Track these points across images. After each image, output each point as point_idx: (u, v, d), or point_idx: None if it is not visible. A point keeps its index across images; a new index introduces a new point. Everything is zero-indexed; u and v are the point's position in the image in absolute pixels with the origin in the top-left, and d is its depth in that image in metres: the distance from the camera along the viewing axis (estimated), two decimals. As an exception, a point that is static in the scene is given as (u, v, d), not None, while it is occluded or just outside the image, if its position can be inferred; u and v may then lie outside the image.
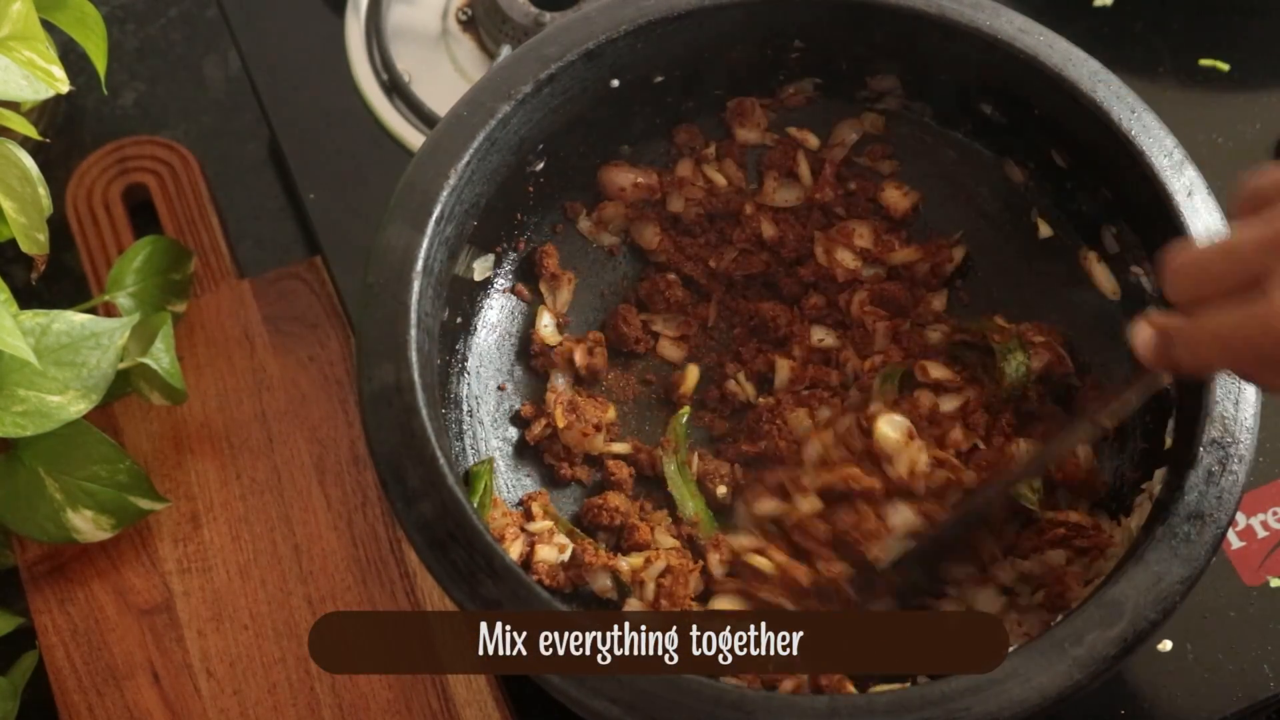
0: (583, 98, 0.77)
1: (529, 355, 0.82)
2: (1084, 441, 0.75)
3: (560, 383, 0.81)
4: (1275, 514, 0.79)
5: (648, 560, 0.74)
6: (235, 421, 0.88)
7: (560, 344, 0.81)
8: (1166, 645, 0.75)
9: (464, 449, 0.77)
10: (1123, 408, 0.70)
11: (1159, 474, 0.70)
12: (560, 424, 0.78)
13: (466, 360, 0.79)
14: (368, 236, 0.71)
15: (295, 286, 0.92)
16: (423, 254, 0.70)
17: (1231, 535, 0.78)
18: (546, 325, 0.82)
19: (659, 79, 0.80)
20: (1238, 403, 0.66)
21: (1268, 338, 0.53)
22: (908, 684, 0.67)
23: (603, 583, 0.74)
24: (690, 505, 0.78)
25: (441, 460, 0.65)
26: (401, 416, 0.66)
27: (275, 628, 0.82)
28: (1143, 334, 0.60)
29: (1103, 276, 0.79)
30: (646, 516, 0.78)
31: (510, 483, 0.78)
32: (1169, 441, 0.70)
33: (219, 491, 0.86)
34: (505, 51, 0.92)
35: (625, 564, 0.74)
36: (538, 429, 0.78)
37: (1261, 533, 0.79)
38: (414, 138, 0.92)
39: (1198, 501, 0.64)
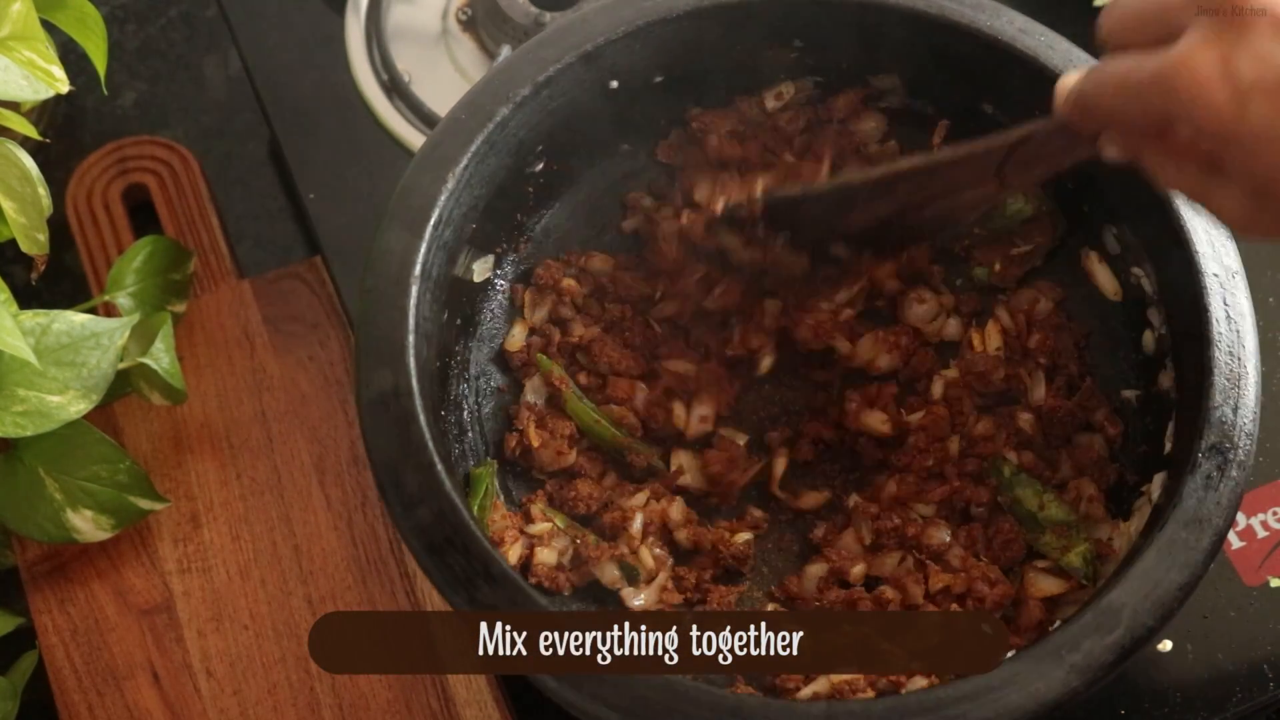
0: (581, 99, 0.77)
1: (511, 366, 0.81)
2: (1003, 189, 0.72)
3: (534, 399, 0.80)
4: (1275, 514, 0.79)
5: (625, 516, 0.75)
6: (235, 421, 0.88)
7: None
8: (1166, 645, 0.75)
9: (463, 450, 0.77)
10: (1042, 164, 0.68)
11: (1158, 478, 0.70)
12: (534, 443, 0.77)
13: (466, 362, 0.79)
14: (368, 236, 0.72)
15: (295, 286, 0.92)
16: (420, 259, 0.70)
17: (1231, 535, 0.78)
18: (515, 336, 0.81)
19: (658, 79, 0.80)
20: (1236, 408, 0.66)
21: (1158, 88, 0.54)
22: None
23: (610, 574, 0.74)
24: (600, 429, 0.78)
25: (439, 467, 0.65)
26: (399, 422, 0.66)
27: (275, 628, 0.82)
28: (1066, 80, 0.60)
29: (1104, 277, 0.79)
30: (611, 497, 0.78)
31: (510, 484, 0.78)
32: (1168, 446, 0.70)
33: (219, 491, 0.86)
34: (505, 52, 0.92)
35: (624, 546, 0.74)
36: (513, 443, 0.78)
37: (1261, 533, 0.79)
38: (414, 138, 0.92)
39: (1196, 507, 0.64)
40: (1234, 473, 0.65)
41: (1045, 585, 0.73)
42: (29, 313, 0.76)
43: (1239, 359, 0.68)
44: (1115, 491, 0.75)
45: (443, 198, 0.72)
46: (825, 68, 0.82)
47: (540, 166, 0.79)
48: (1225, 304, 0.69)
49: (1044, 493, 0.75)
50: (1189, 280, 0.70)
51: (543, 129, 0.77)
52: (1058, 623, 0.67)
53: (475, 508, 0.73)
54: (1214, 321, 0.68)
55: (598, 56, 0.76)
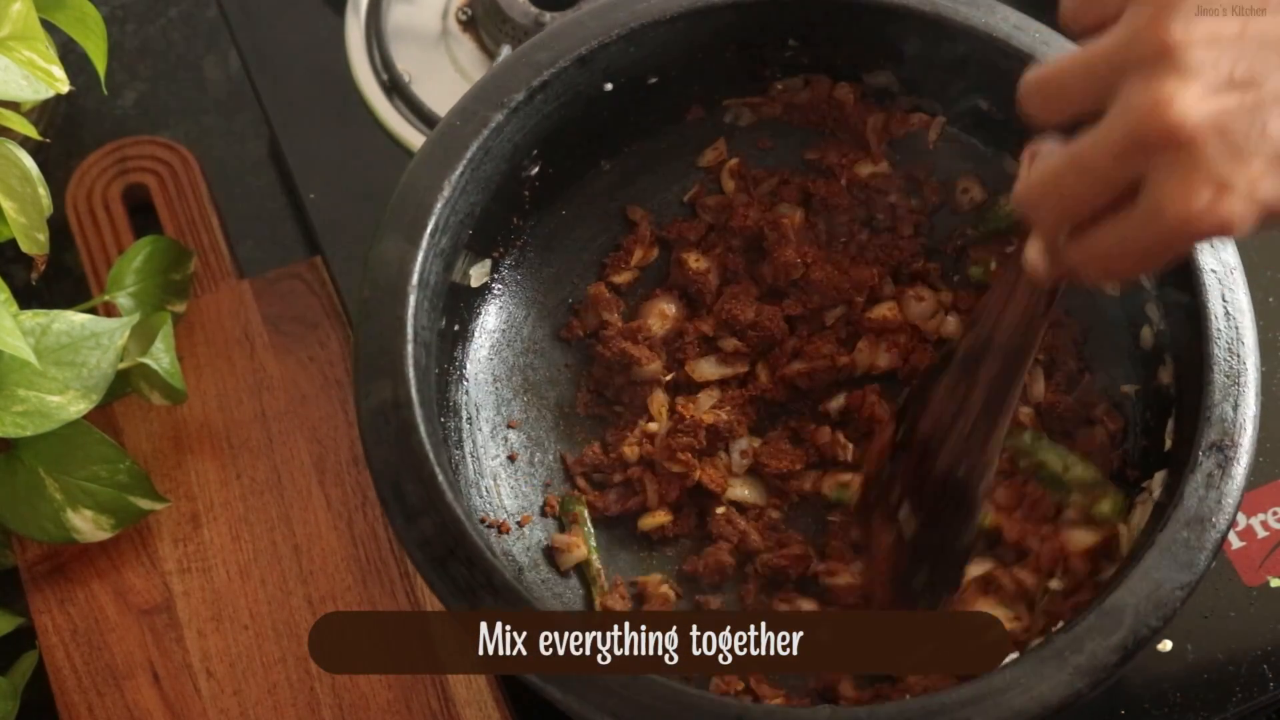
0: (576, 102, 0.77)
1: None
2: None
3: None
4: (1275, 514, 0.79)
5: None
6: (235, 421, 0.88)
7: None
8: (1166, 645, 0.75)
9: (464, 456, 0.76)
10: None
11: (1159, 476, 0.70)
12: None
13: (465, 367, 0.79)
14: (368, 236, 0.71)
15: (295, 286, 0.92)
16: (418, 268, 0.70)
17: (1231, 535, 0.78)
18: None
19: (652, 81, 0.79)
20: (1237, 405, 0.66)
21: (1162, 242, 0.51)
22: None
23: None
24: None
25: (441, 477, 0.65)
26: (400, 433, 0.66)
27: (275, 628, 0.82)
28: (1034, 254, 0.57)
29: (1102, 274, 0.79)
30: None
31: (511, 490, 0.78)
32: (1169, 443, 0.70)
33: (219, 491, 0.86)
34: (505, 52, 0.92)
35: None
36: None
37: (1261, 533, 0.79)
38: (414, 138, 0.92)
39: (1197, 506, 0.64)
40: (1235, 470, 0.65)
41: (1081, 538, 0.72)
42: (29, 313, 0.76)
43: (1238, 355, 0.67)
44: (1117, 484, 0.75)
45: (439, 205, 0.71)
46: (820, 66, 0.82)
47: (536, 170, 0.79)
48: (1224, 300, 0.68)
49: (1068, 455, 0.74)
50: (1187, 276, 0.69)
51: (538, 133, 0.76)
52: (1059, 626, 0.67)
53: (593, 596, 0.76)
54: (1213, 318, 0.68)
55: (592, 60, 0.75)
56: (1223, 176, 0.49)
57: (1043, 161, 0.54)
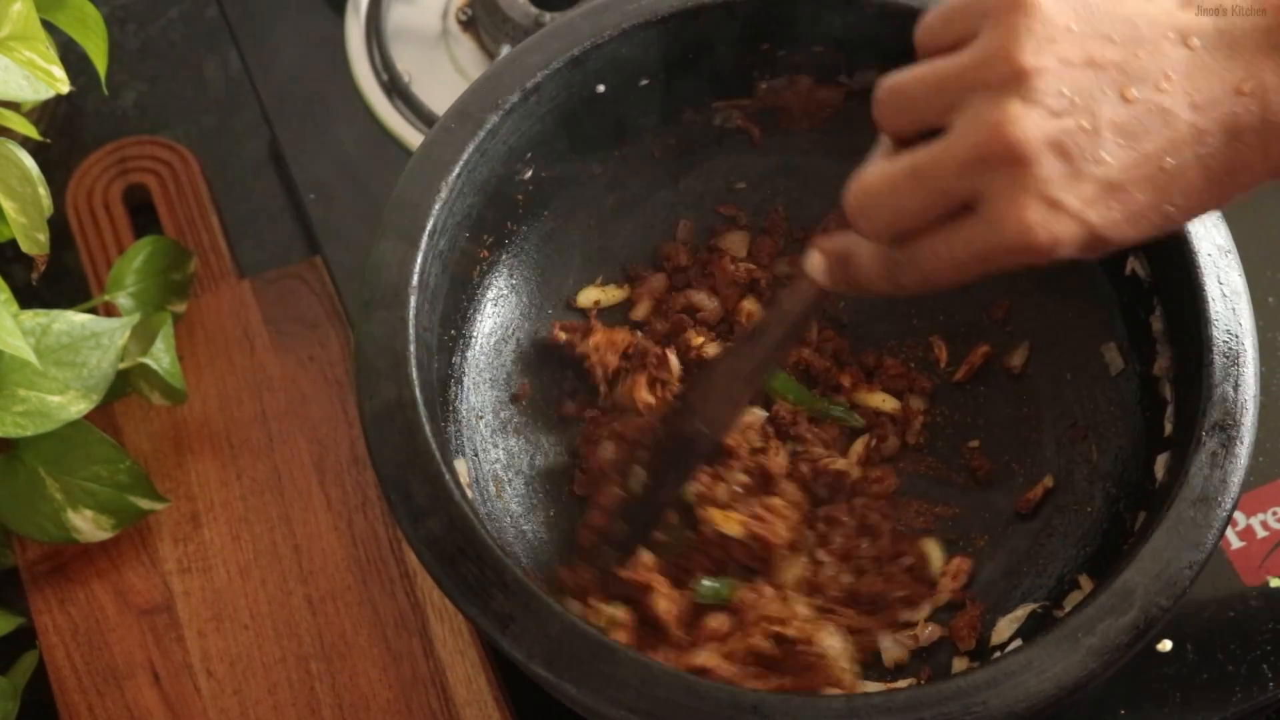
0: (569, 104, 0.77)
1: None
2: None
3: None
4: (1275, 514, 0.79)
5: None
6: (235, 421, 0.88)
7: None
8: (1166, 645, 0.75)
9: (463, 460, 0.76)
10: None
11: (1161, 459, 0.70)
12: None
13: (463, 371, 0.79)
14: (368, 236, 0.71)
15: (295, 286, 0.92)
16: (418, 269, 0.70)
17: (1231, 535, 0.78)
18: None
19: (644, 83, 0.79)
20: (1238, 386, 0.66)
21: (993, 253, 0.53)
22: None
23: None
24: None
25: (447, 476, 0.65)
26: (404, 434, 0.66)
27: (275, 628, 0.82)
28: (815, 264, 0.61)
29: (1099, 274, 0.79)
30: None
31: (515, 493, 0.78)
32: (1169, 429, 0.70)
33: (219, 491, 0.86)
34: (505, 51, 0.92)
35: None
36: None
37: (1261, 533, 0.79)
38: (414, 138, 0.92)
39: (1203, 485, 0.64)
40: (1238, 449, 0.65)
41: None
42: (29, 313, 0.76)
43: (1236, 336, 0.67)
44: (1124, 480, 0.75)
45: (436, 207, 0.71)
46: (809, 66, 0.82)
47: (529, 174, 0.79)
48: (1220, 282, 0.68)
49: None
50: (1182, 261, 0.69)
51: (531, 135, 0.76)
52: (1068, 609, 0.67)
53: None
54: (1210, 300, 0.67)
55: (584, 61, 0.75)
56: (1055, 196, 0.51)
57: (876, 170, 0.56)
